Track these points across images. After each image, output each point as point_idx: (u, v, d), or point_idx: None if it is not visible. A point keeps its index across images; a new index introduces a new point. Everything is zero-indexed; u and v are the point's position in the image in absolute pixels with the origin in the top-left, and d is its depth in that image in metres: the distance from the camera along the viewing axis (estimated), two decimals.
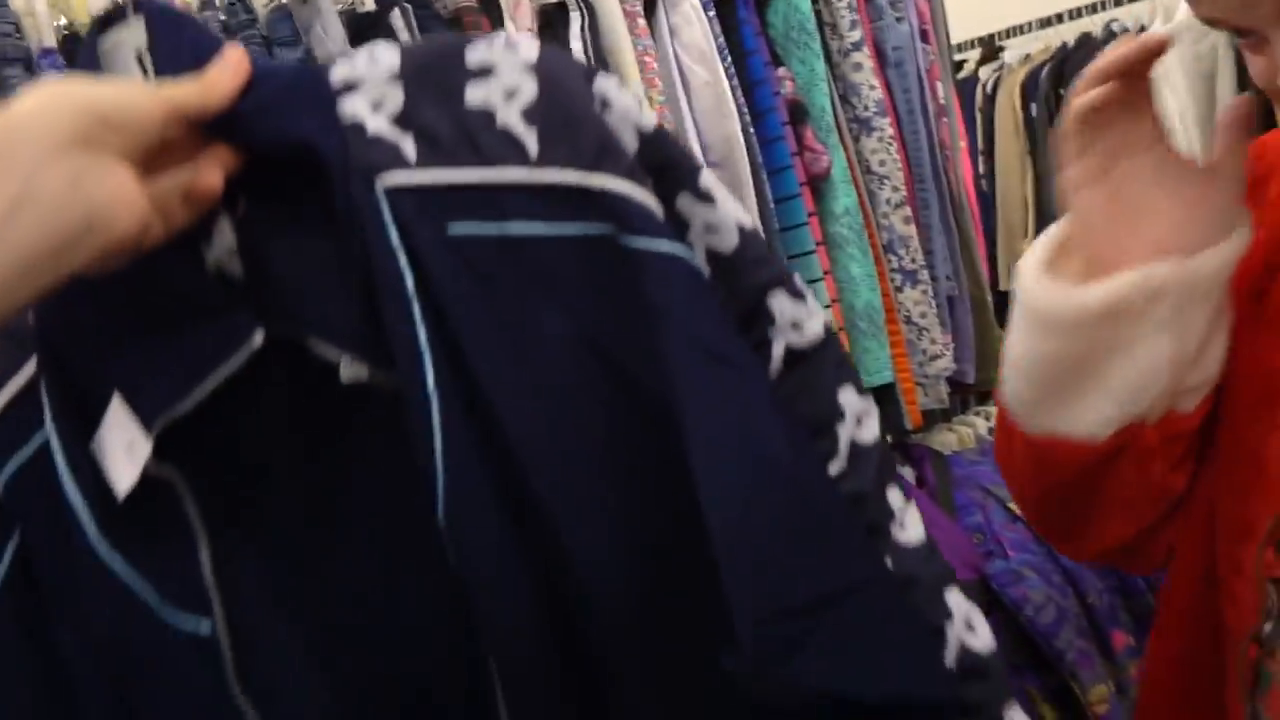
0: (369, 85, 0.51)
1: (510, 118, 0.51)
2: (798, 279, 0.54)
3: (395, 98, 0.51)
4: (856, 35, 1.41)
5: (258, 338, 0.48)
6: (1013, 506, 1.46)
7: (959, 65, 2.89)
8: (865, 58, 1.41)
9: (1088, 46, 2.49)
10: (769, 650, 0.47)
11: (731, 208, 0.53)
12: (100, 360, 0.49)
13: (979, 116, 2.63)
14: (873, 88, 1.41)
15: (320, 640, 0.53)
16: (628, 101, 0.52)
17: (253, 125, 0.48)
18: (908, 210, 1.40)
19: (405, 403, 0.48)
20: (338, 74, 0.52)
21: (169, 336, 0.48)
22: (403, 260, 0.49)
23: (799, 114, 1.35)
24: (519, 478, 0.50)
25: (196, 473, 0.50)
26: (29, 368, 0.51)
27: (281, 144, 0.49)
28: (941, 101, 1.53)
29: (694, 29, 1.27)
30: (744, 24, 1.34)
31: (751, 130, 1.29)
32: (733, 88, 1.28)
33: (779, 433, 0.51)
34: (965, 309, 1.51)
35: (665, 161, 0.52)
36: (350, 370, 0.49)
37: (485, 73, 0.51)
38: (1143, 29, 2.39)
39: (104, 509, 0.48)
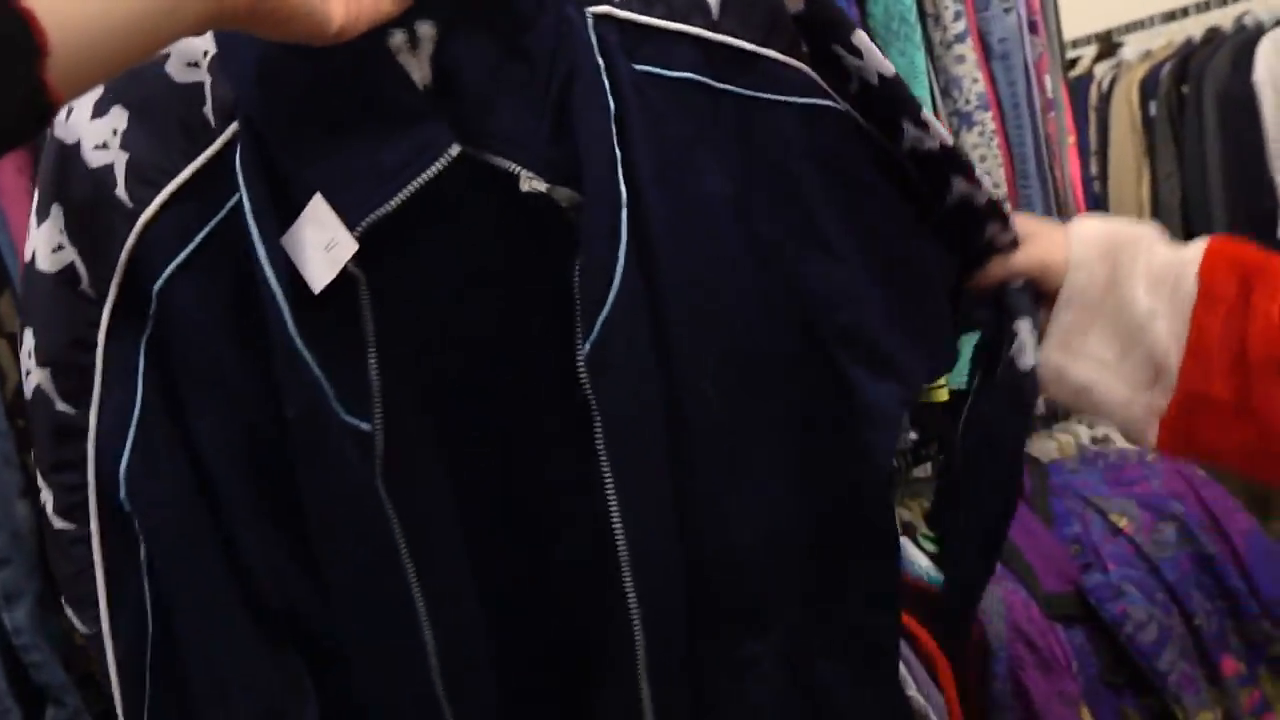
0: None
1: None
2: (925, 112, 0.64)
3: None
4: (960, 26, 1.37)
5: (454, 148, 0.50)
6: (1114, 519, 1.39)
7: (1072, 63, 2.78)
8: (969, 49, 1.37)
9: (1215, 42, 2.36)
10: None
11: (875, 60, 0.61)
12: (302, 159, 0.51)
13: (1093, 115, 2.52)
14: (975, 80, 1.37)
15: (456, 457, 0.57)
16: None
17: None
18: (1009, 208, 1.35)
19: (588, 220, 0.52)
20: None
21: (373, 140, 0.51)
22: (606, 82, 0.54)
23: None
24: (661, 312, 0.55)
25: (375, 275, 0.53)
26: (196, 163, 0.53)
27: None
28: (1049, 95, 1.47)
29: None
30: None
31: None
32: None
33: (902, 232, 0.65)
34: None
35: (827, 20, 0.60)
36: (529, 183, 0.52)
37: None
38: (1278, 23, 2.25)
39: (295, 304, 0.50)
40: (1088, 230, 0.68)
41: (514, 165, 0.52)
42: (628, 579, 0.53)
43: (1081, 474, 1.49)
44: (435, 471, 0.56)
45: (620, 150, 0.53)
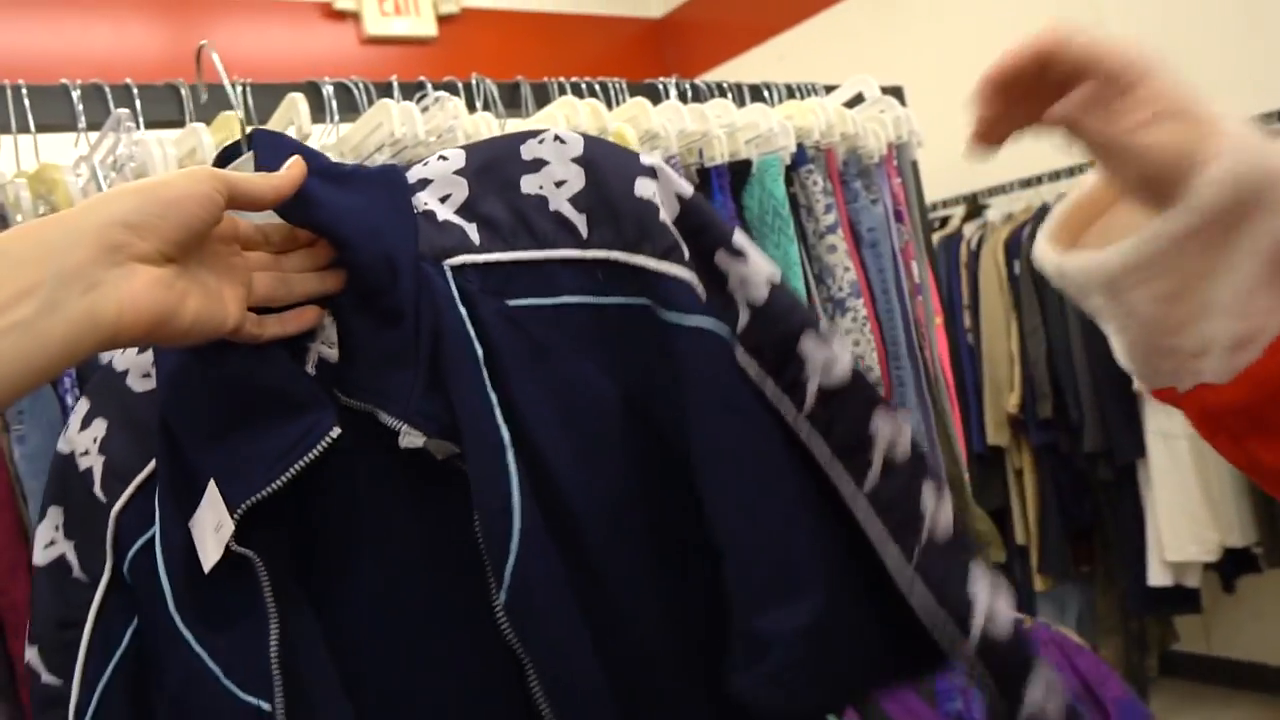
0: (439, 181, 0.59)
1: (561, 204, 0.58)
2: (823, 323, 0.60)
3: (460, 191, 0.59)
4: (831, 218, 1.46)
5: (334, 431, 0.53)
6: None
7: (944, 220, 2.97)
8: (840, 239, 1.46)
9: None
10: (752, 686, 0.54)
11: (762, 265, 0.58)
12: (204, 447, 0.55)
13: (964, 272, 2.69)
14: (847, 269, 1.45)
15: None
16: (670, 174, 0.60)
17: (339, 220, 0.55)
18: (882, 390, 1.42)
19: (473, 471, 0.53)
20: (414, 172, 0.59)
21: (260, 428, 0.54)
22: (471, 333, 0.55)
23: None
24: (574, 539, 0.55)
25: (276, 552, 0.55)
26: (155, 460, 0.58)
27: (361, 236, 0.55)
28: (916, 280, 1.57)
29: None
30: (719, 208, 1.39)
31: None
32: None
33: (781, 469, 0.57)
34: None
35: (703, 223, 0.59)
36: (408, 439, 0.54)
37: (538, 165, 0.59)
38: None
39: (187, 585, 0.54)
40: (1241, 149, 0.46)
41: (396, 421, 0.54)
42: None
43: None
44: None
45: (498, 392, 0.55)
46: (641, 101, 1.33)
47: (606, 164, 0.59)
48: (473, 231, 0.58)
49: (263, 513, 0.52)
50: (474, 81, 1.30)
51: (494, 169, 0.59)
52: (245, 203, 0.51)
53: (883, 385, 1.43)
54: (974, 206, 2.91)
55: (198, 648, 0.53)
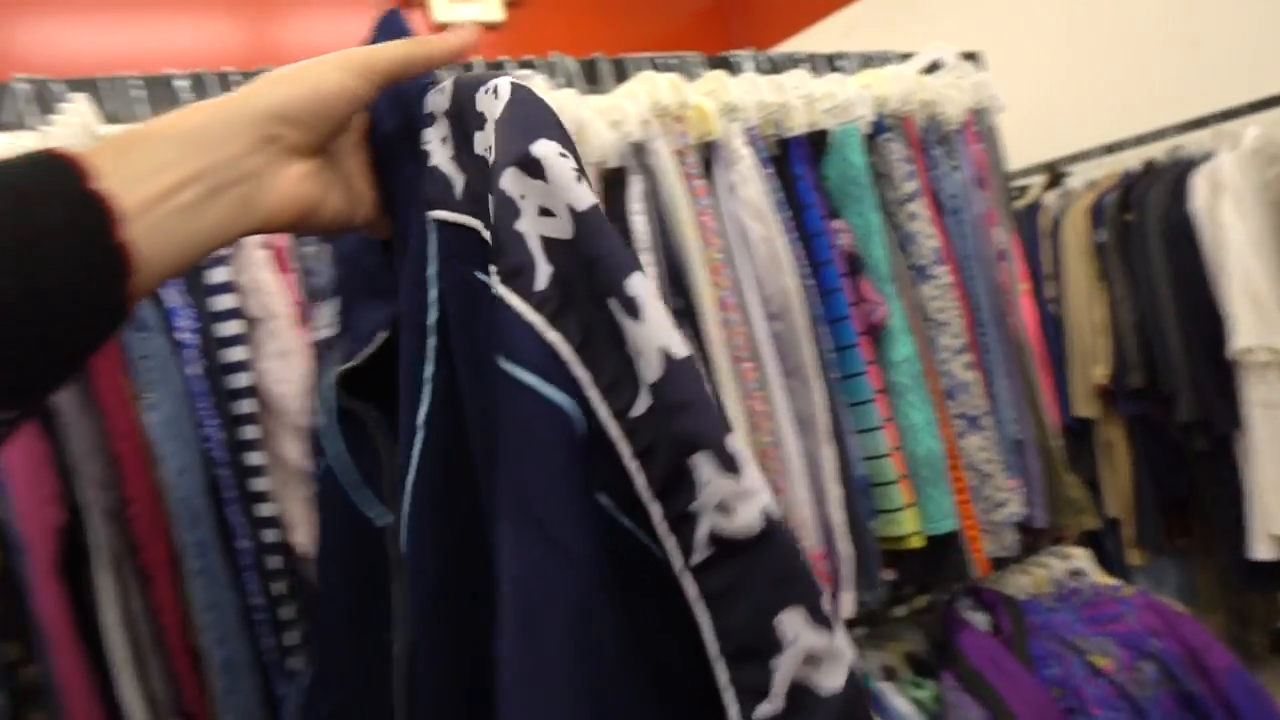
0: (440, 120, 0.54)
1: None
2: (735, 441, 0.41)
3: (450, 137, 0.54)
4: (912, 186, 1.44)
5: (382, 334, 0.60)
6: (1093, 659, 1.40)
7: (1023, 190, 2.90)
8: (921, 207, 1.44)
9: (1154, 173, 2.48)
10: None
11: (658, 330, 0.42)
12: (349, 305, 0.65)
13: (1046, 242, 2.62)
14: (929, 236, 1.43)
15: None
16: (563, 176, 0.45)
17: (390, 148, 0.56)
18: (969, 356, 1.40)
19: (398, 431, 0.57)
20: (429, 102, 0.55)
21: (366, 305, 0.62)
22: (433, 293, 0.52)
23: (856, 265, 1.37)
24: (476, 519, 0.51)
25: (381, 408, 0.62)
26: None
27: (396, 170, 0.57)
28: (1000, 246, 1.54)
29: (750, 186, 1.31)
30: (800, 179, 1.38)
31: (810, 282, 1.32)
32: (791, 241, 1.31)
33: (573, 646, 0.40)
34: (1033, 451, 1.48)
35: (597, 255, 0.44)
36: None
37: (482, 122, 0.51)
38: (1208, 156, 2.38)
39: (334, 413, 0.63)
40: None
41: None
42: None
43: (1059, 613, 1.50)
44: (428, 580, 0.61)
45: (443, 367, 0.52)
46: (720, 74, 1.33)
47: (501, 140, 0.48)
48: (459, 185, 0.51)
49: (372, 373, 0.60)
50: (553, 59, 1.31)
51: (463, 117, 0.53)
52: (415, 72, 0.52)
53: (970, 352, 1.41)
54: (1054, 176, 2.84)
55: (342, 457, 0.63)
